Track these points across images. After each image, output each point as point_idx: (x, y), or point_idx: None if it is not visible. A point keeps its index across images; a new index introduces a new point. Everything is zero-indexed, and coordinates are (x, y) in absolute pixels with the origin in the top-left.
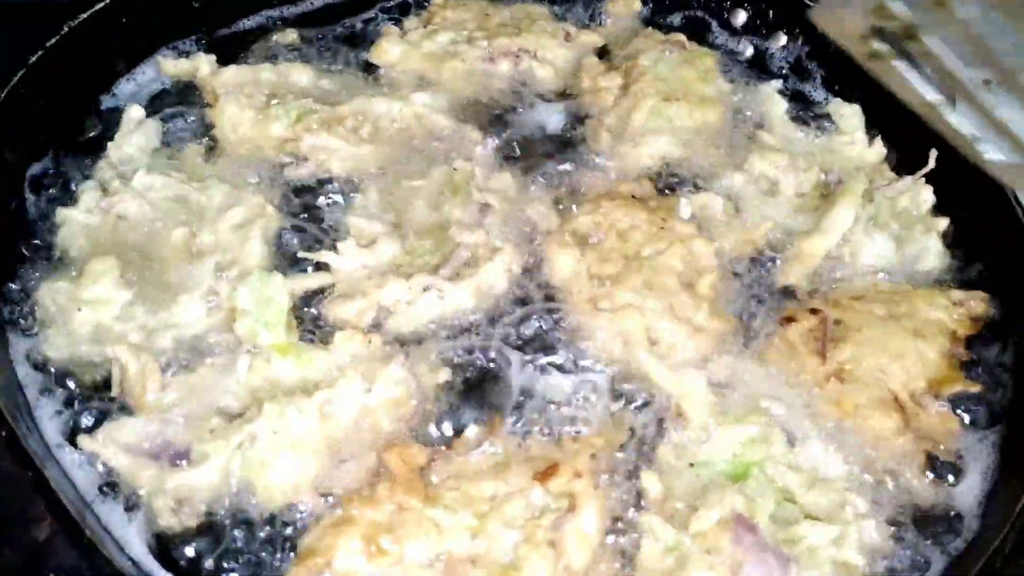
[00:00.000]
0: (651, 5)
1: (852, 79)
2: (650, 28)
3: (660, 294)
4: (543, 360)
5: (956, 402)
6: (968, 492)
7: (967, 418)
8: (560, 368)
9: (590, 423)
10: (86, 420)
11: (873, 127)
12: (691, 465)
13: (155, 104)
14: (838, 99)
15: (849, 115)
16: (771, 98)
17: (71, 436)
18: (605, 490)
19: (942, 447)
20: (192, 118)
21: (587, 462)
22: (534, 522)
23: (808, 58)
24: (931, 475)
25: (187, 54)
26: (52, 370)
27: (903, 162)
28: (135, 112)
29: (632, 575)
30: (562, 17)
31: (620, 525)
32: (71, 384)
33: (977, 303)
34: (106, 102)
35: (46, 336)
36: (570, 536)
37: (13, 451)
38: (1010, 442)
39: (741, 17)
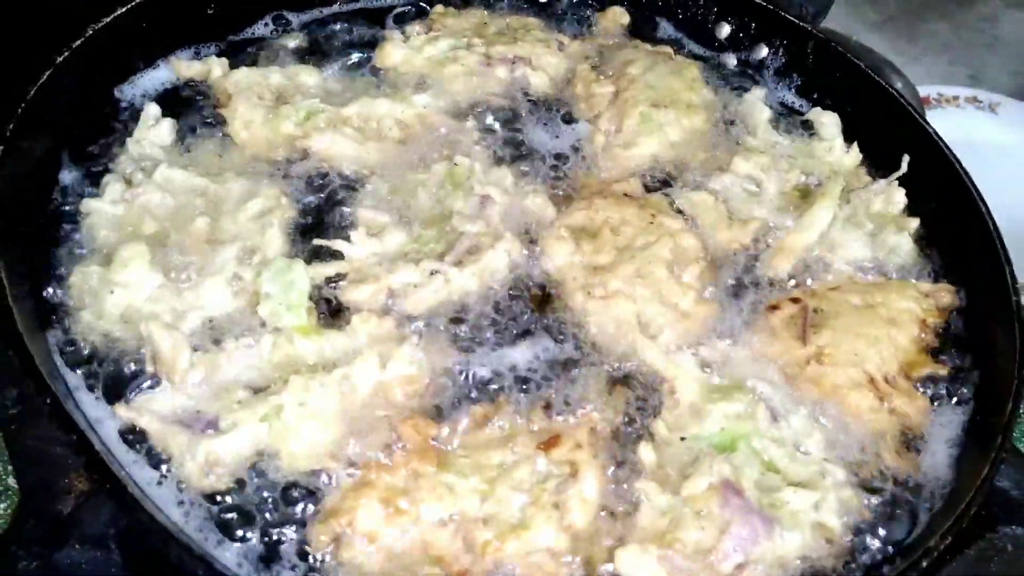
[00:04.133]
0: (639, 19)
1: (830, 89)
2: (638, 40)
3: (649, 282)
4: (543, 342)
5: (925, 383)
6: (936, 463)
7: (935, 397)
8: (559, 349)
9: (589, 400)
10: (121, 394)
11: (850, 133)
12: (682, 438)
13: (170, 103)
14: (817, 107)
15: (828, 123)
16: (755, 105)
17: (106, 409)
18: (604, 460)
19: (913, 423)
20: (205, 117)
21: (587, 434)
22: (539, 487)
23: (788, 68)
24: (903, 448)
25: (200, 57)
26: (86, 348)
27: (878, 166)
28: (152, 110)
29: (630, 535)
30: (556, 28)
31: (618, 491)
32: (104, 361)
33: (944, 294)
34: (125, 100)
35: (79, 317)
36: (573, 499)
37: (57, 417)
38: (974, 419)
39: (725, 30)
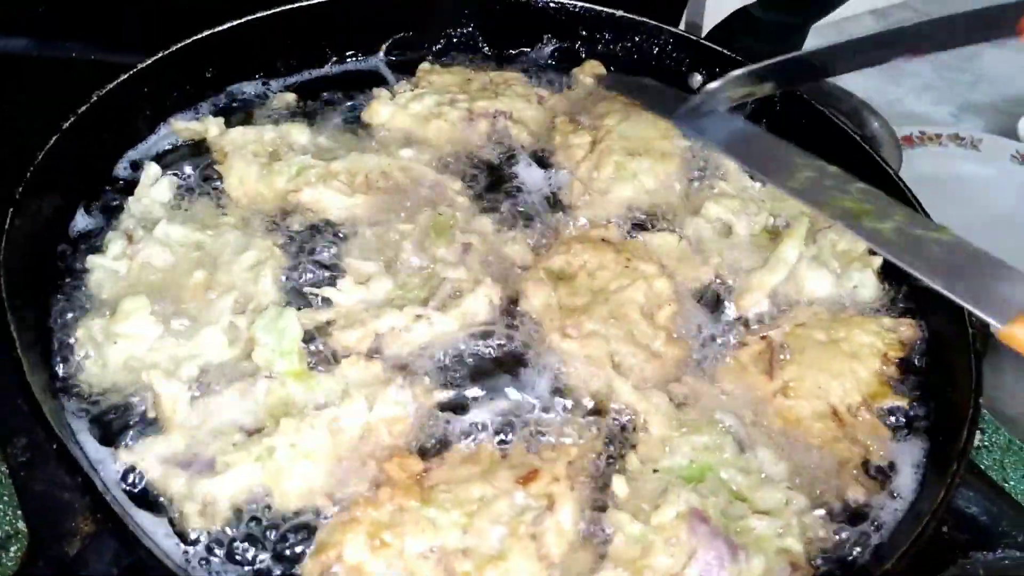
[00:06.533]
0: (615, 71)
1: (797, 134)
2: (614, 92)
3: (623, 324)
4: (522, 380)
5: (887, 413)
6: (896, 490)
7: (897, 427)
8: (537, 387)
9: (565, 436)
10: (122, 438)
11: None
12: (655, 471)
13: (169, 162)
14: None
15: None
16: None
17: (108, 453)
18: (580, 492)
19: (874, 452)
20: (203, 174)
21: (564, 469)
22: (517, 519)
23: (758, 115)
24: (864, 476)
25: (198, 117)
26: (91, 396)
27: None
28: (152, 169)
29: (603, 563)
30: (536, 82)
31: (593, 521)
32: (108, 408)
33: (906, 329)
34: (127, 160)
35: (84, 367)
36: (549, 531)
37: (62, 460)
38: (933, 447)
39: (697, 80)
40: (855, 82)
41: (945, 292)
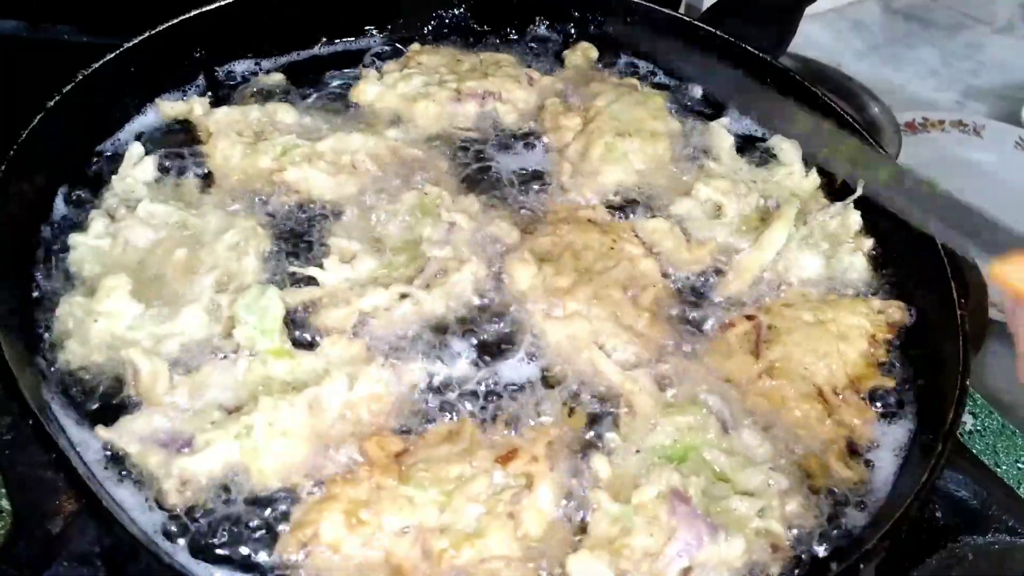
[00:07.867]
0: (606, 54)
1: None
2: (605, 72)
3: (606, 304)
4: (504, 359)
5: (873, 395)
6: (880, 472)
7: (882, 409)
8: (521, 367)
9: (547, 415)
10: (101, 416)
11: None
12: (637, 451)
13: (155, 141)
14: (778, 135)
15: (788, 148)
16: (718, 133)
17: (89, 432)
18: (559, 471)
19: (860, 434)
20: (187, 153)
21: (543, 448)
22: (495, 498)
23: None
24: (850, 458)
25: (184, 97)
26: (71, 375)
27: (836, 190)
28: (136, 149)
29: (582, 542)
30: (527, 64)
31: (573, 501)
32: (88, 386)
33: (894, 310)
34: (111, 140)
35: (64, 345)
36: (527, 510)
37: (39, 437)
38: (918, 430)
39: None
40: (857, 67)
41: (937, 236)
